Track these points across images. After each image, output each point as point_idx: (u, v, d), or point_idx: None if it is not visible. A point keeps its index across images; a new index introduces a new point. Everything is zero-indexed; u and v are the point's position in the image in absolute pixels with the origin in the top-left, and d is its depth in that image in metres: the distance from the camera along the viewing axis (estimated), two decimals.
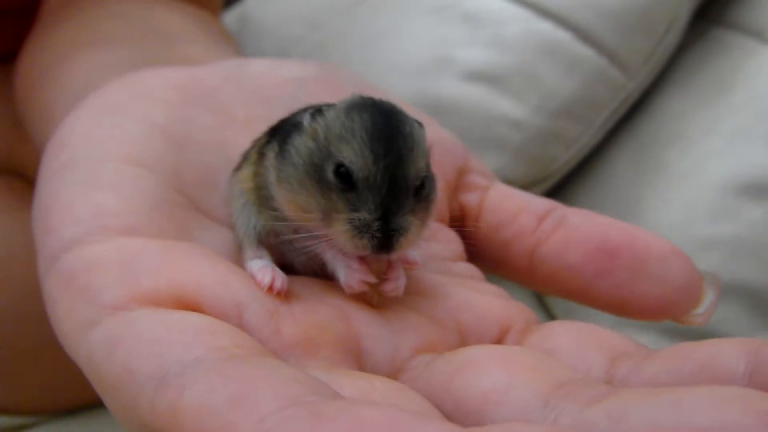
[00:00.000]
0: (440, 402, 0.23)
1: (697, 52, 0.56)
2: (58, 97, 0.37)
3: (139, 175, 0.28)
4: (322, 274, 0.28)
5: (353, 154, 0.26)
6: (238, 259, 0.28)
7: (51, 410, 0.51)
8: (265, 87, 0.34)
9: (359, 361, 0.25)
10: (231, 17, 0.63)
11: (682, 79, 0.55)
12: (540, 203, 0.32)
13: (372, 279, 0.27)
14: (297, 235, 0.27)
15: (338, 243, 0.26)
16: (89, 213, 0.26)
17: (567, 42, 0.52)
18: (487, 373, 0.23)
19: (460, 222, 0.32)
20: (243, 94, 0.33)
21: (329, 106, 0.27)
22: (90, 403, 0.51)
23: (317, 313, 0.25)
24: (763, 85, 0.51)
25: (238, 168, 0.29)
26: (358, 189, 0.26)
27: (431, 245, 0.29)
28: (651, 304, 0.28)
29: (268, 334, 0.24)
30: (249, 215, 0.28)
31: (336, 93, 0.30)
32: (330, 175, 0.26)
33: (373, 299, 0.27)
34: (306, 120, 0.27)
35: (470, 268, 0.31)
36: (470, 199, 0.33)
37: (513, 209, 0.32)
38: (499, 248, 0.32)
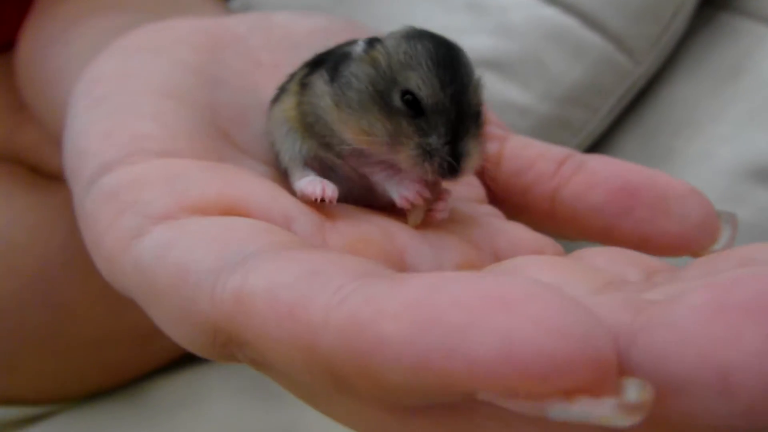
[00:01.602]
0: None
1: (705, 38, 0.56)
2: (69, 58, 0.37)
3: (175, 107, 0.29)
4: (363, 202, 0.29)
5: (421, 82, 0.27)
6: None
7: (53, 401, 0.51)
8: (292, 35, 0.35)
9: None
10: (234, 6, 0.63)
11: (690, 65, 0.56)
12: (558, 150, 0.33)
13: (427, 193, 0.28)
14: (342, 160, 0.28)
15: (406, 167, 0.27)
16: (129, 137, 0.27)
17: (573, 28, 0.52)
18: (536, 274, 0.23)
19: (480, 170, 0.33)
20: (271, 41, 0.34)
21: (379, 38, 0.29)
22: (92, 394, 0.51)
23: (361, 229, 0.27)
24: None
25: (277, 100, 0.31)
26: (427, 115, 0.27)
27: (457, 187, 0.30)
28: (672, 240, 0.29)
29: (315, 245, 0.25)
30: (294, 140, 0.29)
31: None
32: (397, 101, 0.27)
33: (417, 219, 0.28)
34: (361, 48, 0.28)
35: (494, 210, 0.33)
36: (490, 148, 0.34)
37: (532, 156, 0.33)
38: (520, 193, 0.33)
